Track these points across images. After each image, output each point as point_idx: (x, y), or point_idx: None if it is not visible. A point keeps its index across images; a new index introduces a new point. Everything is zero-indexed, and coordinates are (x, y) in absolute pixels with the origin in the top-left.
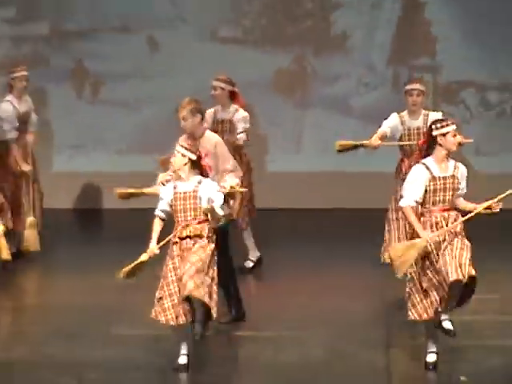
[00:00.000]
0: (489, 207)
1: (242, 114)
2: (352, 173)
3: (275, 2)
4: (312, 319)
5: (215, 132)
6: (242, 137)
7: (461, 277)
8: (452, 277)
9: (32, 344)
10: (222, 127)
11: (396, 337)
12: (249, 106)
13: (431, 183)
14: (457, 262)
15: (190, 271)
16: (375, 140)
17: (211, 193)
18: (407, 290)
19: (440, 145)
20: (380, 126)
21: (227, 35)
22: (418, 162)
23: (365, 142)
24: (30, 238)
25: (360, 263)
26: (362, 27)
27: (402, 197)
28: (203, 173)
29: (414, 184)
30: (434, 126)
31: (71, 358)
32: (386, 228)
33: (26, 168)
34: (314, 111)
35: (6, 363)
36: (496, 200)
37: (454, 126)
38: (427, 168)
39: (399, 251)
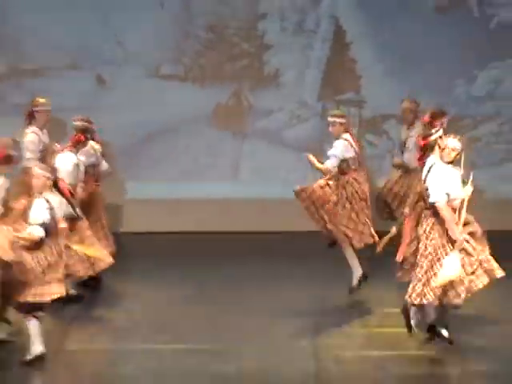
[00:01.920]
0: None
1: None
2: (287, 198)
3: (213, 43)
4: (247, 333)
5: None
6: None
7: None
8: None
9: None
10: None
11: (324, 348)
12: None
13: None
14: None
15: None
16: None
17: None
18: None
19: None
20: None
21: (169, 73)
22: None
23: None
24: None
25: (289, 283)
26: (293, 65)
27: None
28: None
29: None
30: None
31: None
32: None
33: None
34: (250, 142)
35: None
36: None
37: None
38: None
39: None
